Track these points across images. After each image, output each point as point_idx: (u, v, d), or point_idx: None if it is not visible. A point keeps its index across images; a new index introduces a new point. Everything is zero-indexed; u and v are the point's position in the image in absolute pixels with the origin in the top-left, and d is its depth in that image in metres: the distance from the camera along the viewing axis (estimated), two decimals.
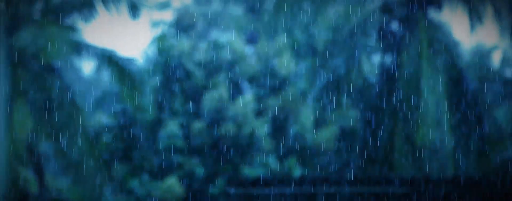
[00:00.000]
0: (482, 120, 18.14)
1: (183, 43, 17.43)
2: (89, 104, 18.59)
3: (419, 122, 17.54)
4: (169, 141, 16.97)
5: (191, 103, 17.11)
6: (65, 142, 15.38)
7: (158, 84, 17.26)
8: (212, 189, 16.69)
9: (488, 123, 18.29)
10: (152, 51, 18.41)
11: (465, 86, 18.28)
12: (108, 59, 15.94)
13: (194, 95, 17.09)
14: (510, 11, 18.53)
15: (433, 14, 18.92)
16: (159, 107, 17.28)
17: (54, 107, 15.45)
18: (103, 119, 17.59)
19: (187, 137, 17.00)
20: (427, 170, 17.52)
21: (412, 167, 17.63)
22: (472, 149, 18.00)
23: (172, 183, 16.69)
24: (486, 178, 16.64)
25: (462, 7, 18.83)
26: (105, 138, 17.43)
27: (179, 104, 17.19)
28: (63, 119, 15.46)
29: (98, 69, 16.88)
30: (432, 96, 17.67)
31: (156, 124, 17.22)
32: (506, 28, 18.62)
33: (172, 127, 16.93)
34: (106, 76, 18.91)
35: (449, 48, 18.51)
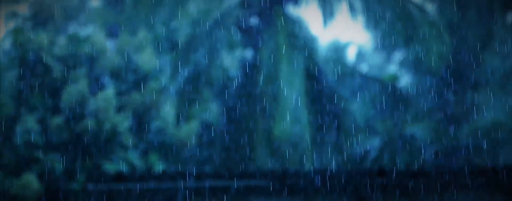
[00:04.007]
0: (339, 114, 18.61)
1: (41, 37, 17.04)
2: None
3: (278, 115, 17.83)
4: (27, 137, 16.58)
5: (49, 98, 16.76)
6: None
7: (15, 79, 16.82)
8: (72, 185, 16.44)
9: (344, 117, 18.77)
10: (8, 45, 17.95)
11: (323, 80, 18.69)
12: None
13: (53, 90, 16.76)
14: (365, 7, 19.05)
15: (290, 9, 19.25)
16: (16, 102, 16.85)
17: None
18: None
19: (45, 132, 16.66)
20: (286, 163, 17.84)
21: (271, 161, 17.93)
22: (329, 142, 18.45)
23: (30, 179, 16.32)
24: (343, 170, 17.08)
25: (317, 3, 19.24)
26: None
27: (37, 98, 16.82)
28: None
29: None
30: (291, 90, 18.00)
31: (13, 119, 16.79)
32: (361, 24, 19.16)
33: (29, 122, 16.55)
34: None
35: (306, 43, 18.89)
